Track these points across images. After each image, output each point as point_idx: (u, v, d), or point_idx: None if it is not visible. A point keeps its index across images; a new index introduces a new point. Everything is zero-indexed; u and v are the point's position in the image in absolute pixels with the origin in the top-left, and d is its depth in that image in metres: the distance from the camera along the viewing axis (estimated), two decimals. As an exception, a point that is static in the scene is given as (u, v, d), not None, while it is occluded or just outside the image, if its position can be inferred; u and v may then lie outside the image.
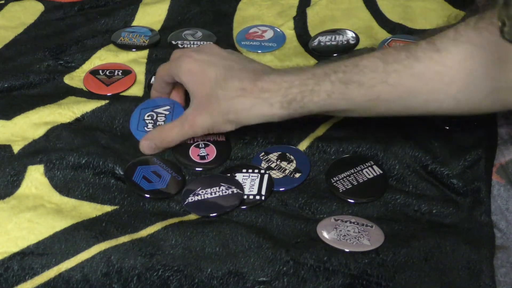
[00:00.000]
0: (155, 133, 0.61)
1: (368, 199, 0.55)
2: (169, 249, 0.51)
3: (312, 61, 0.72)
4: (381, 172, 0.57)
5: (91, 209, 0.55)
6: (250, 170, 0.58)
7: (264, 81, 0.56)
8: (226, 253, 0.50)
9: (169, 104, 0.64)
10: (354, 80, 0.53)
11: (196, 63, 0.58)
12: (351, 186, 0.56)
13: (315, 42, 0.74)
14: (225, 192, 0.55)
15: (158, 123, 0.62)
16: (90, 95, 0.67)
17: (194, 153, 0.60)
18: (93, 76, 0.70)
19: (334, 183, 0.57)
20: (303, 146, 0.61)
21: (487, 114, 0.59)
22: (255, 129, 0.62)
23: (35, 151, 0.59)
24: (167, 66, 0.62)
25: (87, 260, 0.50)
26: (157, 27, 0.79)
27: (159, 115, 0.63)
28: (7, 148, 0.60)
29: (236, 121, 0.57)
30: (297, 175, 0.58)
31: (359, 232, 0.51)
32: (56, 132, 0.61)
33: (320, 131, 0.62)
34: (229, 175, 0.57)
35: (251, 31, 0.77)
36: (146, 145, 0.60)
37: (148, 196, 0.56)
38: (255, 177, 0.57)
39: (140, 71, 0.71)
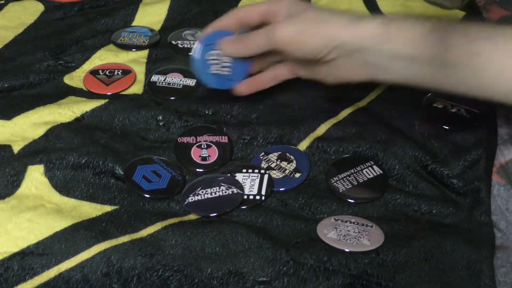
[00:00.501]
0: (238, 37, 0.59)
1: (368, 199, 0.55)
2: (169, 249, 0.51)
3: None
4: (381, 172, 0.57)
5: (91, 209, 0.55)
6: (250, 170, 0.58)
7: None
8: (226, 253, 0.50)
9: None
10: (458, 30, 0.50)
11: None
12: (351, 186, 0.56)
13: (315, 42, 0.74)
14: (225, 192, 0.55)
15: (223, 64, 0.62)
16: (90, 95, 0.67)
17: (195, 154, 0.60)
18: (93, 76, 0.70)
19: (334, 183, 0.57)
20: (303, 146, 0.61)
21: (487, 114, 0.58)
22: (255, 129, 0.62)
23: (35, 151, 0.59)
24: (259, 5, 0.58)
25: (87, 260, 0.50)
26: (157, 27, 0.79)
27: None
28: (7, 148, 0.60)
29: (329, 33, 0.54)
30: (297, 175, 0.58)
31: (359, 232, 0.51)
32: (56, 132, 0.61)
33: (320, 131, 0.62)
34: (229, 175, 0.57)
35: (251, 31, 0.77)
36: (230, 44, 0.59)
37: (148, 196, 0.56)
38: (255, 177, 0.57)
39: (140, 71, 0.71)
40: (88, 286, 0.49)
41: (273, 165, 0.59)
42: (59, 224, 0.52)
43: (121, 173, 0.58)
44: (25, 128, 0.62)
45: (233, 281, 0.48)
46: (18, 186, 0.56)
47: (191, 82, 0.69)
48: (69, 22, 0.79)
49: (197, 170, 0.59)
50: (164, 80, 0.69)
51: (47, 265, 0.49)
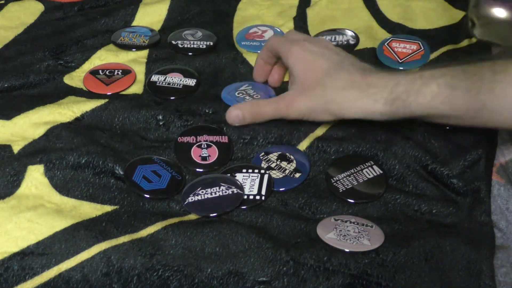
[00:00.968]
0: (247, 105, 0.62)
1: (368, 199, 0.55)
2: (169, 249, 0.51)
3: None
4: (381, 172, 0.57)
5: (91, 209, 0.55)
6: (250, 170, 0.58)
7: (372, 76, 0.57)
8: (226, 253, 0.50)
9: (264, 92, 0.67)
10: (461, 86, 0.53)
11: (308, 52, 0.60)
12: (351, 186, 0.56)
13: (315, 42, 0.74)
14: (225, 192, 0.55)
15: (251, 97, 0.66)
16: (90, 95, 0.67)
17: (195, 154, 0.60)
18: (93, 76, 0.70)
19: (334, 183, 0.57)
20: (303, 146, 0.61)
21: None
22: (255, 129, 0.62)
23: (35, 151, 0.59)
24: (276, 42, 0.64)
25: (87, 260, 0.50)
26: (157, 27, 0.79)
27: (254, 95, 0.66)
28: (7, 148, 0.60)
29: (337, 111, 0.58)
30: (297, 175, 0.58)
31: (359, 232, 0.51)
32: (56, 131, 0.61)
33: (320, 131, 0.62)
34: (229, 175, 0.57)
35: (251, 31, 0.77)
36: (234, 114, 0.61)
37: (148, 196, 0.56)
38: (255, 177, 0.57)
39: (140, 70, 0.71)
40: (88, 286, 0.49)
41: (273, 165, 0.59)
42: (59, 224, 0.52)
43: (121, 173, 0.58)
44: (25, 128, 0.62)
45: (233, 281, 0.48)
46: (18, 186, 0.56)
47: (191, 82, 0.69)
48: (69, 22, 0.79)
49: (197, 170, 0.59)
50: (164, 80, 0.69)
51: (47, 265, 0.49)
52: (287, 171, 0.58)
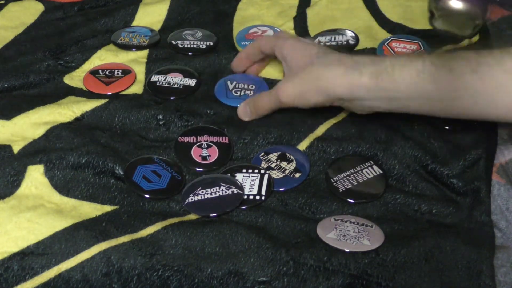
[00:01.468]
0: (251, 100, 0.64)
1: (368, 199, 0.55)
2: (169, 249, 0.51)
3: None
4: (381, 172, 0.57)
5: (91, 209, 0.55)
6: (250, 170, 0.58)
7: (359, 56, 0.58)
8: (226, 253, 0.50)
9: (254, 82, 0.68)
10: (445, 65, 0.53)
11: (301, 42, 0.63)
12: (351, 186, 0.56)
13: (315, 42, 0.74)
14: (225, 192, 0.55)
15: (247, 91, 0.67)
16: (90, 95, 0.67)
17: (196, 154, 0.60)
18: (93, 76, 0.70)
19: (334, 183, 0.57)
20: (303, 146, 0.61)
21: None
22: (255, 129, 0.62)
23: (35, 151, 0.59)
24: (271, 39, 0.67)
25: (87, 260, 0.50)
26: (157, 27, 0.79)
27: (246, 90, 0.67)
28: (7, 148, 0.60)
29: (326, 89, 0.58)
30: (297, 175, 0.58)
31: (359, 232, 0.51)
32: (56, 131, 0.61)
33: (320, 131, 0.62)
34: (229, 175, 0.57)
35: (251, 31, 0.77)
36: (242, 110, 0.64)
37: (148, 196, 0.56)
38: (255, 177, 0.57)
39: (140, 70, 0.71)
40: (88, 286, 0.49)
41: (273, 165, 0.59)
42: (59, 224, 0.52)
43: (121, 173, 0.58)
44: (25, 128, 0.62)
45: (233, 281, 0.48)
46: (18, 186, 0.56)
47: (191, 82, 0.69)
48: (69, 22, 0.79)
49: (197, 169, 0.59)
50: (164, 80, 0.69)
51: (47, 265, 0.49)
52: (287, 171, 0.58)
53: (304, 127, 0.62)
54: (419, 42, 0.72)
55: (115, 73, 0.70)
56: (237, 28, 0.78)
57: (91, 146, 0.60)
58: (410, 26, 0.76)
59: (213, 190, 0.55)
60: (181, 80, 0.69)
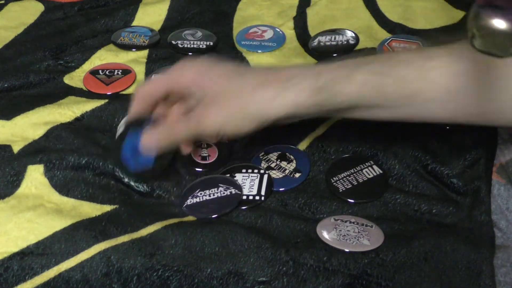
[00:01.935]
0: (161, 129, 0.54)
1: (368, 199, 0.55)
2: (169, 249, 0.51)
3: (312, 61, 0.72)
4: (381, 172, 0.57)
5: (91, 209, 0.55)
6: (249, 170, 0.58)
7: (288, 70, 0.51)
8: (225, 253, 0.50)
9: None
10: (390, 73, 0.50)
11: (200, 63, 0.53)
12: (351, 186, 0.56)
13: (315, 42, 0.74)
14: (224, 193, 0.55)
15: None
16: (90, 95, 0.67)
17: (195, 153, 0.60)
18: (93, 76, 0.70)
19: (334, 183, 0.57)
20: (303, 146, 0.61)
21: None
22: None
23: (35, 151, 0.59)
24: (162, 78, 0.55)
25: (87, 260, 0.50)
26: (157, 27, 0.79)
27: None
28: (7, 148, 0.60)
29: (258, 114, 0.51)
30: (297, 175, 0.58)
31: (359, 232, 0.51)
32: (56, 132, 0.61)
33: (320, 131, 0.62)
34: (228, 175, 0.57)
35: (251, 31, 0.77)
36: (148, 138, 0.54)
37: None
38: (255, 177, 0.57)
39: (140, 70, 0.71)
40: (88, 286, 0.49)
41: (273, 165, 0.59)
42: (59, 224, 0.52)
43: (121, 175, 0.58)
44: (25, 128, 0.62)
45: (233, 281, 0.48)
46: (18, 186, 0.56)
47: (191, 82, 0.69)
48: (69, 22, 0.79)
49: (197, 169, 0.59)
50: (164, 80, 0.69)
51: (47, 265, 0.49)
52: (287, 171, 0.58)
53: (304, 127, 0.62)
54: (419, 42, 0.72)
55: (115, 73, 0.70)
56: (237, 28, 0.78)
57: (92, 148, 0.60)
58: (410, 26, 0.76)
59: (212, 191, 0.55)
60: (181, 80, 0.69)
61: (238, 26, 0.78)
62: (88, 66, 0.72)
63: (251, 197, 0.55)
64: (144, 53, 0.74)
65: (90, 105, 0.65)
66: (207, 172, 0.59)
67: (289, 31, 0.77)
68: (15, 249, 0.51)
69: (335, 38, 0.74)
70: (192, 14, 0.81)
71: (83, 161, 0.58)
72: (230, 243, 0.51)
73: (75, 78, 0.70)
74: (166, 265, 0.49)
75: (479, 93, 0.49)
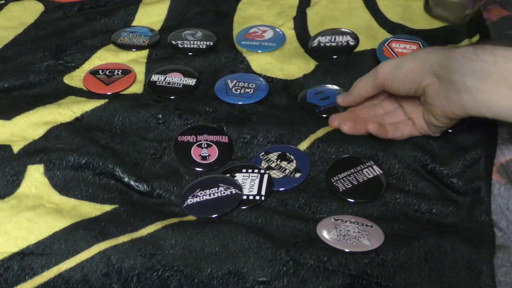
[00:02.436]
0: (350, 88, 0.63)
1: (368, 199, 0.55)
2: (169, 249, 0.51)
3: (312, 61, 0.72)
4: (381, 171, 0.57)
5: (91, 209, 0.55)
6: (250, 170, 0.58)
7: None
8: (226, 253, 0.50)
9: (254, 81, 0.68)
10: None
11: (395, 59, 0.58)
12: (351, 185, 0.56)
13: (315, 43, 0.74)
14: (224, 193, 0.55)
15: (247, 90, 0.67)
16: (90, 95, 0.67)
17: (195, 153, 0.60)
18: (93, 76, 0.70)
19: (334, 183, 0.57)
20: (303, 146, 0.61)
21: None
22: (256, 128, 0.62)
23: (35, 151, 0.59)
24: (365, 79, 0.61)
25: (87, 260, 0.50)
26: (157, 27, 0.79)
27: (246, 89, 0.67)
28: (7, 148, 0.60)
29: (421, 60, 0.56)
30: (297, 175, 0.58)
31: (359, 232, 0.51)
32: (56, 132, 0.61)
33: (320, 132, 0.62)
34: (228, 175, 0.57)
35: (251, 31, 0.77)
36: (341, 95, 0.64)
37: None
38: (255, 177, 0.57)
39: (140, 70, 0.71)
40: (88, 286, 0.49)
41: (273, 165, 0.59)
42: (58, 224, 0.52)
43: (121, 174, 0.58)
44: (25, 128, 0.62)
45: (233, 281, 0.48)
46: (18, 186, 0.56)
47: (191, 82, 0.69)
48: (69, 22, 0.79)
49: (197, 169, 0.59)
50: (164, 79, 0.69)
51: (47, 265, 0.49)
52: (287, 171, 0.58)
53: (304, 127, 0.62)
54: (419, 42, 0.72)
55: (115, 73, 0.70)
56: (237, 28, 0.78)
57: (91, 147, 0.60)
58: (410, 26, 0.76)
59: (212, 191, 0.55)
60: (181, 79, 0.69)
61: (238, 26, 0.78)
62: (88, 66, 0.72)
63: (251, 197, 0.55)
64: (144, 53, 0.74)
65: (90, 105, 0.65)
66: (207, 172, 0.59)
67: (289, 31, 0.77)
68: (15, 249, 0.51)
69: (335, 39, 0.74)
70: (192, 14, 0.81)
71: (83, 161, 0.58)
72: (230, 243, 0.51)
73: (75, 78, 0.70)
74: (166, 265, 0.49)
75: None
